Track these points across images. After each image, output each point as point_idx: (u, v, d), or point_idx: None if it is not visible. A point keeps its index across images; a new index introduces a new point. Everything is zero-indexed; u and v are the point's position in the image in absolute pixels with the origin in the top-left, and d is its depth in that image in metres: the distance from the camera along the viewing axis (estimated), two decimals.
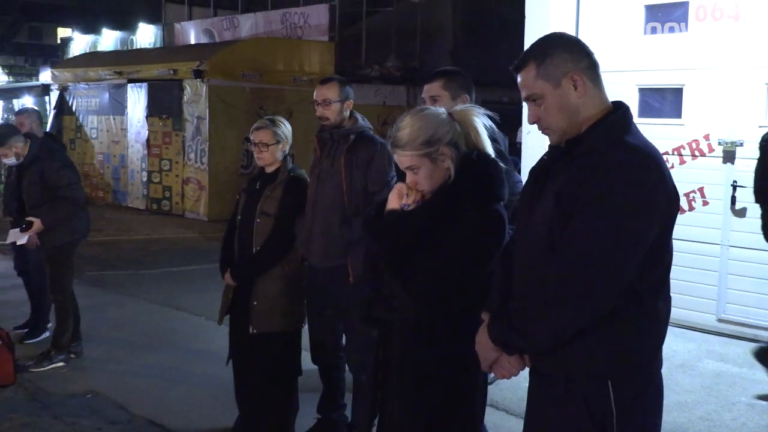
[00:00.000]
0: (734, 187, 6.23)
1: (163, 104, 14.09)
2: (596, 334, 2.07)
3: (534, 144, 6.54)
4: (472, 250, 2.53)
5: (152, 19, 22.14)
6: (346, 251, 3.93)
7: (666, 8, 6.67)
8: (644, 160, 2.06)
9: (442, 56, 15.74)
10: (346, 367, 4.29)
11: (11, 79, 31.74)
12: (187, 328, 6.61)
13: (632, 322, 2.09)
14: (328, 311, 4.15)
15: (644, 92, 6.73)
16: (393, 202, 2.63)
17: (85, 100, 16.18)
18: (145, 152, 14.46)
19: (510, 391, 4.77)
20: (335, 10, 16.00)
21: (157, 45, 20.56)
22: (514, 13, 8.49)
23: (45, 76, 24.74)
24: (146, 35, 21.42)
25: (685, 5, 6.51)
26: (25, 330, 6.16)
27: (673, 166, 6.31)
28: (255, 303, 4.04)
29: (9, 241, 5.71)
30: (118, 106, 15.19)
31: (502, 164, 2.68)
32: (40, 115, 6.56)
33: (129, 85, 14.77)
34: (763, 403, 4.90)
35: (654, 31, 6.76)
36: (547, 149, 2.29)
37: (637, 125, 2.18)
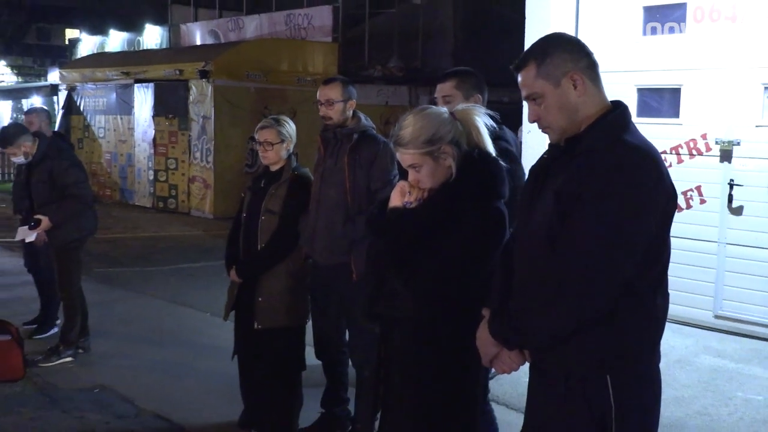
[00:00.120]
0: (731, 186, 6.27)
1: (170, 104, 14.13)
2: (595, 330, 2.08)
3: (534, 143, 6.55)
4: (473, 249, 2.54)
5: (159, 21, 22.20)
6: (350, 249, 3.91)
7: (664, 9, 6.71)
8: (643, 159, 2.06)
9: (444, 57, 15.78)
10: (350, 363, 4.31)
11: (20, 80, 31.73)
12: (193, 324, 6.65)
13: (631, 319, 2.10)
14: (331, 308, 4.16)
15: (643, 92, 6.77)
16: (395, 200, 2.65)
17: (93, 100, 16.24)
18: (152, 151, 14.53)
19: (510, 386, 4.78)
20: (339, 12, 16.01)
21: (164, 46, 20.65)
22: (514, 13, 8.54)
23: (53, 76, 24.72)
24: (153, 36, 21.52)
25: (683, 6, 6.54)
26: (34, 326, 6.20)
27: (671, 165, 6.37)
28: (260, 299, 4.05)
29: (18, 238, 5.76)
30: (125, 106, 15.25)
31: (504, 164, 2.69)
32: (49, 115, 6.60)
33: (136, 85, 14.82)
34: (759, 398, 4.94)
35: (653, 31, 6.80)
36: (546, 148, 2.31)
37: (636, 125, 2.19)
